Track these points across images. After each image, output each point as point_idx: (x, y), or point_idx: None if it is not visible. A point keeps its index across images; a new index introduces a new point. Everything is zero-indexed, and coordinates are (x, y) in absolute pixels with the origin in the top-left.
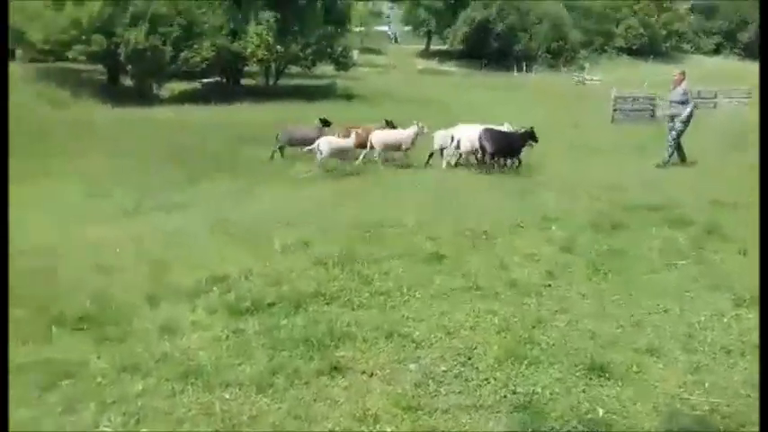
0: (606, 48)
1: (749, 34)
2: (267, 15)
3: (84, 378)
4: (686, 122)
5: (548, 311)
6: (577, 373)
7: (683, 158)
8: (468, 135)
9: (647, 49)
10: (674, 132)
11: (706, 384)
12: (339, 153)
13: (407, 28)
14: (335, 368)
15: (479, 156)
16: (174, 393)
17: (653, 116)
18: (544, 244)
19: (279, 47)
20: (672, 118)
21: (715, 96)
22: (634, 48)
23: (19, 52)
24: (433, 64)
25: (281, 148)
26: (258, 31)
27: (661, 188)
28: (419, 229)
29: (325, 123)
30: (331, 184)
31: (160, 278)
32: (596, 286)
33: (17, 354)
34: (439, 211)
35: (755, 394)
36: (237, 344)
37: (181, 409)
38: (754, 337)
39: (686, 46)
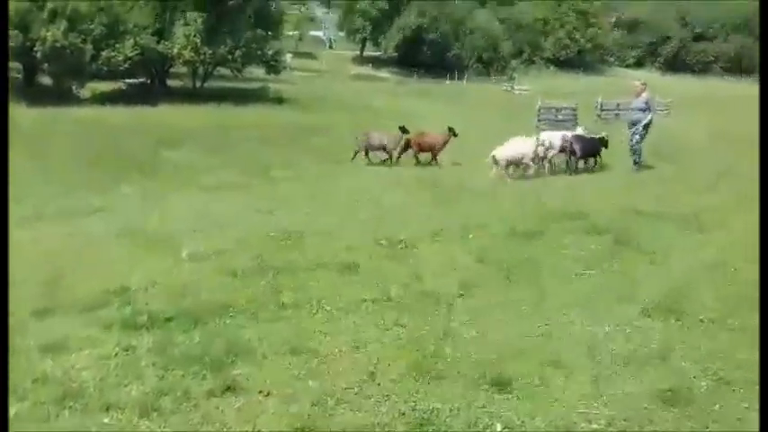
0: (535, 59)
1: (670, 49)
2: (195, 16)
3: None
4: (647, 128)
5: (458, 323)
6: (480, 388)
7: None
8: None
9: (574, 61)
10: (636, 136)
11: (604, 397)
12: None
13: (342, 33)
14: (230, 388)
15: (568, 158)
16: (48, 418)
17: (576, 126)
18: (461, 253)
19: (206, 48)
20: (633, 124)
21: None
22: (561, 59)
23: None
24: (366, 70)
25: (364, 152)
26: (185, 32)
27: (580, 197)
28: (337, 237)
29: (404, 131)
30: (260, 189)
31: (55, 290)
32: (508, 296)
33: None
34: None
35: (654, 406)
36: (127, 362)
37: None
38: (656, 347)
39: (610, 59)
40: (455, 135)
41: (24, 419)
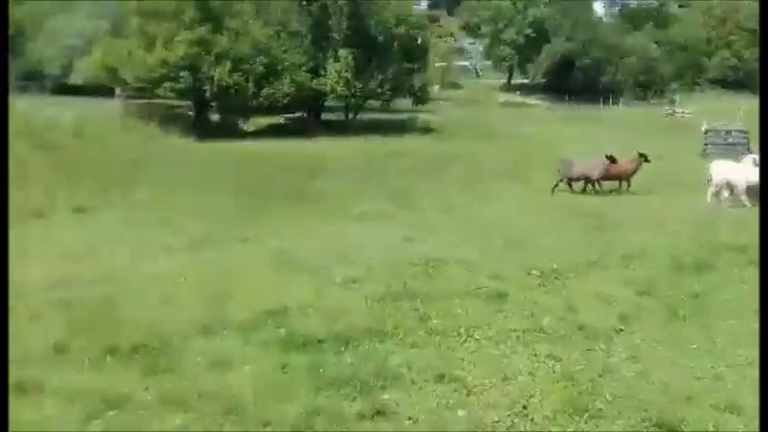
0: (698, 80)
1: None
2: (345, 53)
3: (127, 410)
4: None
5: (617, 359)
6: (644, 431)
7: None
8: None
9: (743, 82)
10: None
11: None
12: None
13: (489, 62)
14: (379, 412)
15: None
16: (210, 430)
17: (749, 150)
18: (620, 285)
19: (357, 83)
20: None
21: None
22: (728, 80)
23: (117, 90)
24: (514, 97)
25: (566, 180)
26: (337, 68)
27: (749, 227)
28: (484, 266)
29: (612, 160)
30: (406, 218)
31: (217, 310)
32: (675, 332)
33: (71, 381)
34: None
35: None
36: (283, 381)
37: None
38: None
39: None
40: (647, 161)
41: (189, 430)
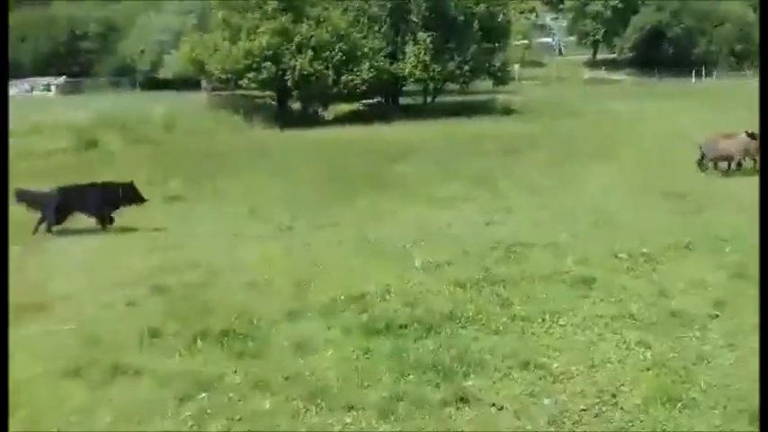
0: None
1: None
2: (423, 36)
3: (218, 392)
4: None
5: (712, 347)
6: (741, 421)
7: None
8: None
9: None
10: None
11: None
12: None
13: (572, 38)
14: (462, 398)
15: None
16: (297, 413)
17: None
18: (714, 268)
19: (435, 65)
20: None
21: None
22: None
23: (203, 83)
24: (600, 74)
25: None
26: (415, 52)
27: None
28: (570, 249)
29: (753, 136)
30: (487, 201)
31: (301, 295)
32: None
33: (163, 364)
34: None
35: None
36: (366, 365)
37: (302, 430)
38: None
39: None
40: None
41: (276, 413)
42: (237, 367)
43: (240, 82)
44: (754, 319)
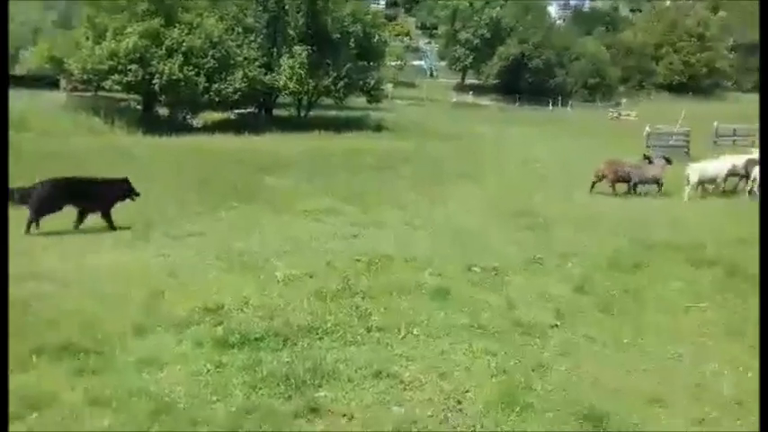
0: (644, 84)
1: None
2: (300, 49)
3: (52, 411)
4: None
5: (551, 354)
6: (572, 423)
7: None
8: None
9: (687, 87)
10: None
11: None
12: None
13: (443, 63)
14: (314, 409)
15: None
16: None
17: (687, 153)
18: (557, 282)
19: (310, 79)
20: None
21: (751, 134)
22: (674, 84)
23: (62, 82)
24: (467, 98)
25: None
26: (291, 64)
27: (685, 225)
28: (428, 263)
29: (669, 161)
30: (353, 215)
31: (152, 308)
32: (606, 328)
33: None
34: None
35: None
36: (217, 380)
37: None
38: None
39: (726, 84)
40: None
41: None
42: (75, 384)
43: (103, 83)
44: (589, 329)
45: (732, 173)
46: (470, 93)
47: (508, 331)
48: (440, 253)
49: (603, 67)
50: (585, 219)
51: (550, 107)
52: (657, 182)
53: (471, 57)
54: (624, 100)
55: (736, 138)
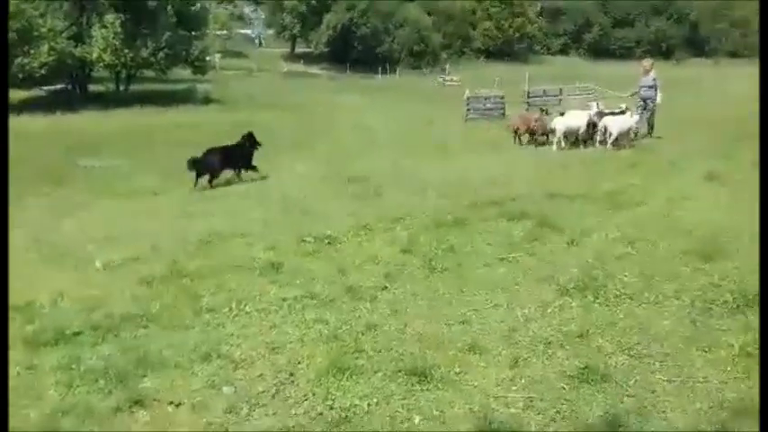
0: (465, 50)
1: (592, 35)
2: (111, 18)
3: None
4: (654, 103)
5: (379, 316)
6: (399, 380)
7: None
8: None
9: (503, 51)
10: (648, 112)
11: (523, 380)
12: None
13: (271, 31)
14: (137, 401)
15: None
16: None
17: (503, 115)
18: (386, 244)
19: (127, 51)
20: (644, 100)
21: (560, 94)
22: (490, 50)
23: None
24: (298, 67)
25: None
26: (103, 35)
27: (507, 183)
28: (261, 237)
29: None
30: (180, 193)
31: None
32: (431, 285)
33: None
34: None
35: (570, 384)
36: (28, 383)
37: None
38: (574, 326)
39: (537, 47)
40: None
41: None
42: None
43: None
44: (415, 287)
45: (588, 124)
46: (301, 62)
47: (340, 298)
48: (273, 226)
49: (427, 34)
50: (414, 182)
51: (380, 75)
52: (554, 132)
53: (299, 25)
54: (448, 66)
55: (546, 98)
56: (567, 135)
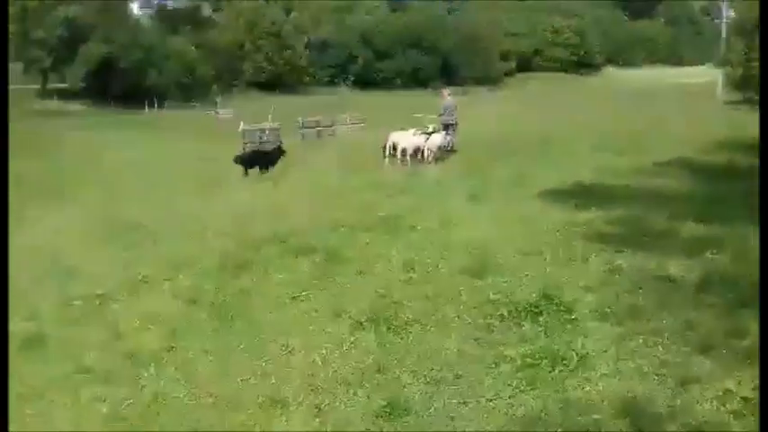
0: (235, 82)
1: (357, 67)
2: None
3: None
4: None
5: (167, 381)
6: None
7: None
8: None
9: (275, 83)
10: (449, 137)
11: (329, 427)
12: None
13: (18, 65)
14: None
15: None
16: None
17: (280, 147)
18: (169, 299)
19: None
20: (446, 126)
21: (332, 124)
22: (262, 81)
23: None
24: (53, 104)
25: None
26: None
27: (287, 216)
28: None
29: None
30: None
31: None
32: (222, 338)
33: None
34: None
35: (375, 424)
36: None
37: None
38: (371, 360)
39: (307, 79)
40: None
41: None
42: None
43: None
44: (204, 343)
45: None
46: (55, 98)
47: (118, 368)
48: (29, 293)
49: (195, 67)
50: (192, 224)
51: (146, 109)
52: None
53: (50, 58)
54: (219, 98)
55: (319, 128)
56: (405, 152)
